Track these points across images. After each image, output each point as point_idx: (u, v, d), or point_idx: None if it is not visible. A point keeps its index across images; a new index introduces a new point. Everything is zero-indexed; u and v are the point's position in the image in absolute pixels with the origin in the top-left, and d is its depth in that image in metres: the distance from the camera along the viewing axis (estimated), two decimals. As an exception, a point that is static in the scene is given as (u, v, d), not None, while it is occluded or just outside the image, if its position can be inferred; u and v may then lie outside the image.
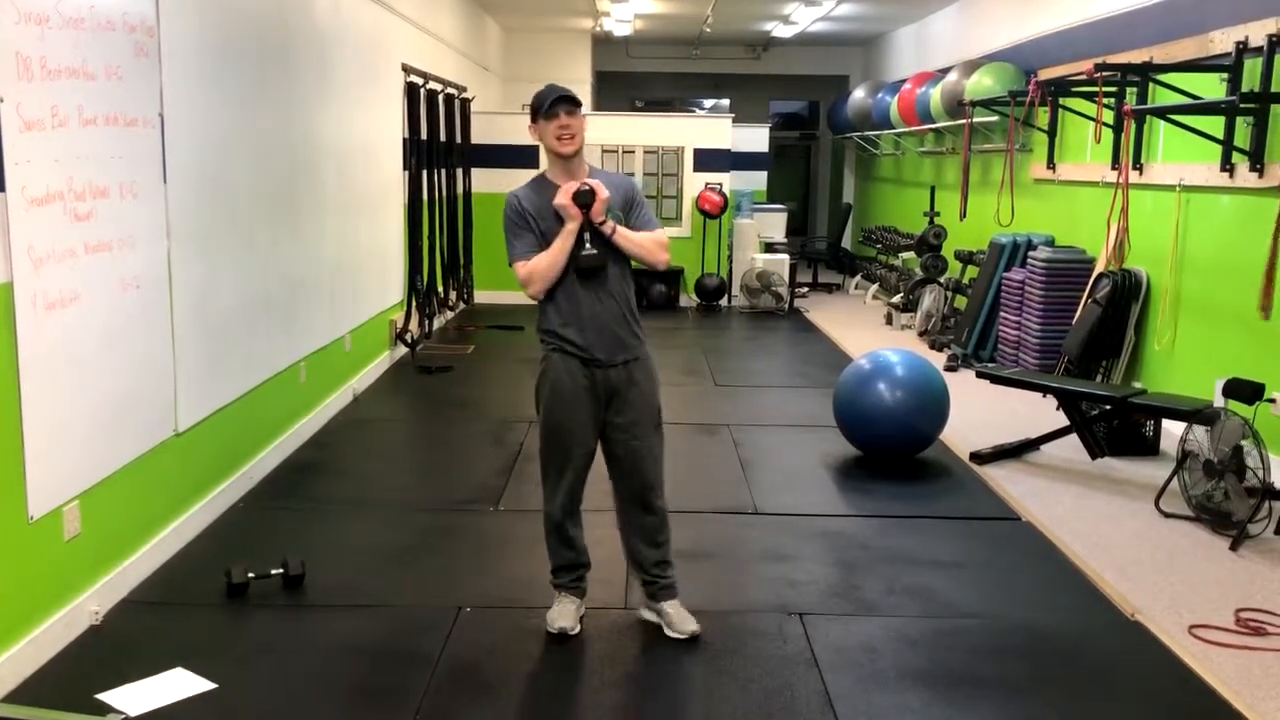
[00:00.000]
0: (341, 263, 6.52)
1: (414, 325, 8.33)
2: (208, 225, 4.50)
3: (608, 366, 3.43)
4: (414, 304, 8.37)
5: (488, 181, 10.81)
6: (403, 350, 8.03)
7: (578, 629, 3.52)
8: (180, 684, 3.14)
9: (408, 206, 8.23)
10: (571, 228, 3.35)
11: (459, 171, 9.97)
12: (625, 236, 3.40)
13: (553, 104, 3.33)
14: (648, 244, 3.45)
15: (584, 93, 14.13)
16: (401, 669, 3.29)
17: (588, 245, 3.37)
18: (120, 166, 3.70)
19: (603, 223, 3.36)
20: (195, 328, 4.36)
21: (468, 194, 10.38)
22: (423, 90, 8.47)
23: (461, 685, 3.21)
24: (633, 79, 16.55)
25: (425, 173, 8.61)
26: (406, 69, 8.04)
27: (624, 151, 11.66)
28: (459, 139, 9.95)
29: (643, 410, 3.49)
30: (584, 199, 3.34)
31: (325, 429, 6.02)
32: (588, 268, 3.39)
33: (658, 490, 3.55)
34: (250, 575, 3.79)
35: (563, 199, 3.34)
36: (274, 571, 3.83)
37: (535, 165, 10.95)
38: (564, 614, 3.52)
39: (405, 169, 8.12)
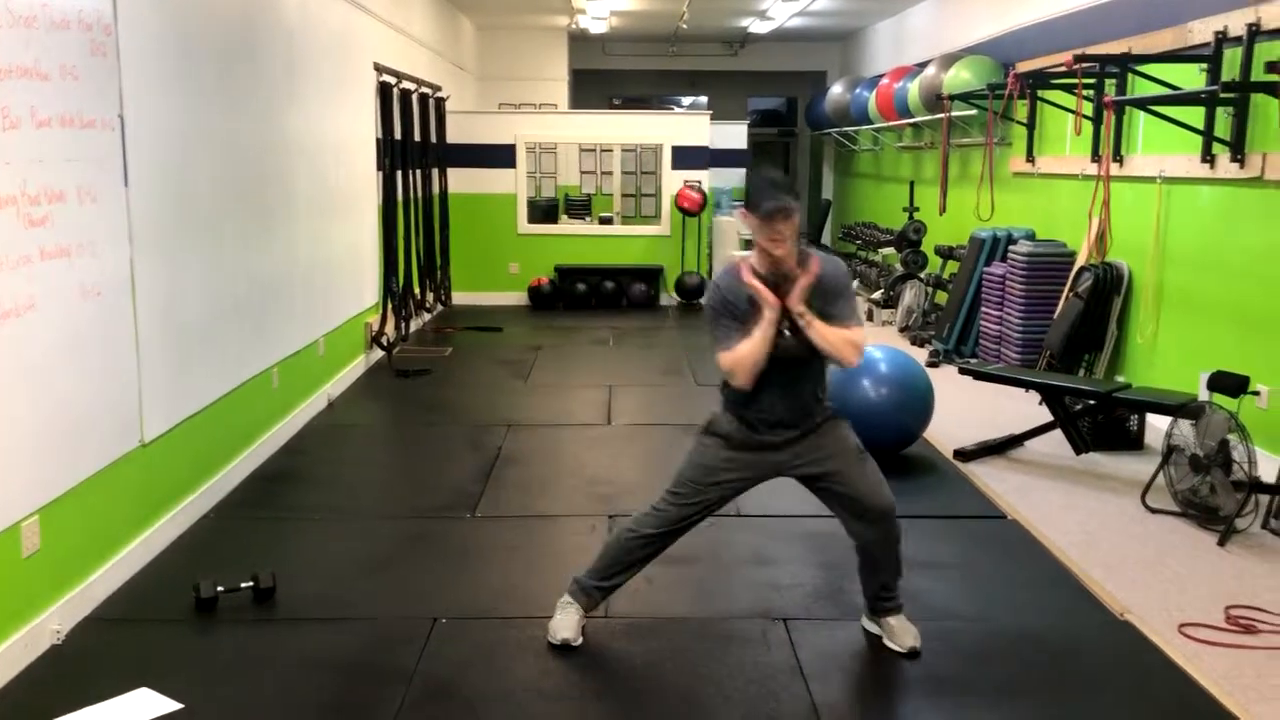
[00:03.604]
0: (314, 266, 6.40)
1: (390, 328, 8.21)
2: (173, 229, 4.38)
3: (782, 435, 3.36)
4: (390, 306, 8.26)
5: (464, 182, 10.73)
6: (379, 354, 7.92)
7: (580, 640, 3.42)
8: (145, 705, 3.03)
9: (382, 208, 8.12)
10: (770, 316, 3.20)
11: (435, 172, 9.86)
12: (817, 330, 3.22)
13: (769, 215, 3.16)
14: (838, 342, 3.23)
15: (560, 91, 14.05)
16: (376, 684, 3.19)
17: (786, 334, 3.24)
18: (78, 169, 3.58)
19: (801, 314, 3.22)
20: (161, 335, 4.25)
21: (444, 194, 10.28)
22: (396, 90, 8.36)
23: (438, 700, 3.11)
24: (610, 76, 16.46)
25: (400, 173, 8.50)
26: (379, 68, 7.92)
27: (602, 150, 11.58)
28: (434, 139, 9.83)
29: (834, 452, 3.38)
30: (784, 289, 3.20)
31: (299, 436, 5.91)
32: (784, 357, 3.25)
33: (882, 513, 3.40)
34: (219, 589, 3.68)
35: (758, 284, 3.21)
36: (244, 585, 3.73)
37: (512, 164, 10.93)
38: (567, 624, 3.42)
39: (379, 169, 8.00)
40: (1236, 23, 5.34)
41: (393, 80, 8.27)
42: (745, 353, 3.21)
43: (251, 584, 3.73)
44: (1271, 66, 4.43)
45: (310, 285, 6.33)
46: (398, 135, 8.44)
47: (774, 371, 3.25)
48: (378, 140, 7.97)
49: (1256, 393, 4.99)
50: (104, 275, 3.76)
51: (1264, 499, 4.47)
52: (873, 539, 3.40)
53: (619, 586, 3.50)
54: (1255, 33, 5.20)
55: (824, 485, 3.41)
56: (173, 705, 3.03)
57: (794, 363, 3.28)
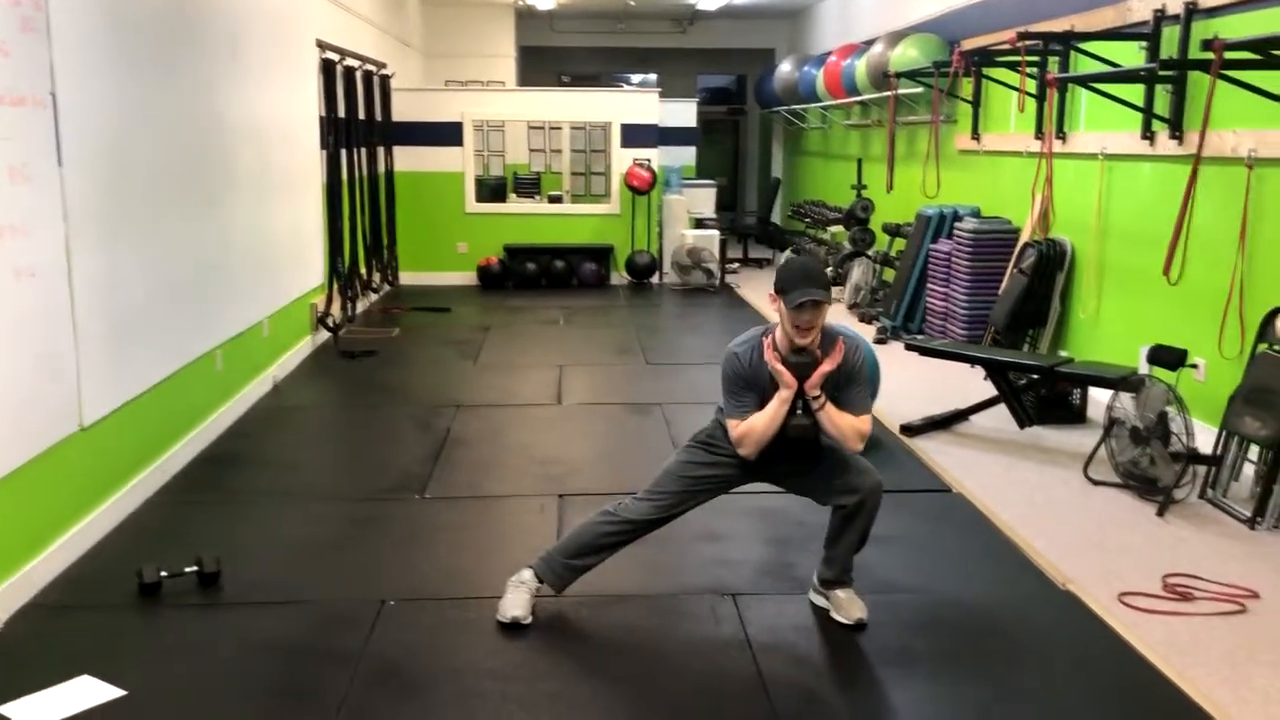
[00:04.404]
0: (256, 246, 6.31)
1: (336, 309, 8.13)
2: (110, 209, 4.29)
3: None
4: (336, 287, 8.17)
5: (411, 160, 10.62)
6: (325, 335, 7.83)
7: (530, 619, 3.41)
8: (86, 692, 2.99)
9: (327, 186, 8.01)
10: (785, 395, 3.24)
11: (380, 150, 9.74)
12: (829, 415, 3.26)
13: (800, 305, 3.16)
14: (846, 429, 3.27)
15: (507, 68, 13.94)
16: (322, 667, 3.17)
17: (799, 414, 3.27)
18: (9, 148, 3.49)
19: (816, 396, 3.24)
20: (99, 317, 4.17)
21: (390, 173, 10.17)
22: (339, 67, 8.24)
23: (386, 682, 3.10)
24: (558, 53, 16.35)
25: (344, 152, 8.39)
26: (321, 45, 7.80)
27: (550, 128, 11.51)
28: (379, 117, 9.72)
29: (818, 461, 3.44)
30: (803, 370, 3.22)
31: (244, 418, 5.84)
32: (796, 438, 3.30)
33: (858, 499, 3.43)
34: (163, 574, 3.63)
35: (779, 364, 3.24)
36: (188, 569, 3.67)
37: (459, 142, 10.82)
38: (517, 603, 3.41)
39: (323, 148, 7.89)
40: (1175, 1, 5.41)
41: (336, 57, 8.15)
42: (757, 428, 3.28)
43: (196, 568, 3.68)
44: (1208, 44, 4.49)
45: (253, 266, 6.24)
46: (342, 113, 8.33)
47: (782, 447, 3.33)
48: (321, 118, 7.85)
49: (1195, 366, 5.09)
50: (38, 256, 3.68)
51: (1201, 470, 4.56)
52: (853, 510, 3.42)
53: (589, 569, 3.49)
54: (1192, 11, 5.28)
55: (813, 484, 3.47)
56: (115, 692, 2.99)
57: (801, 444, 3.35)
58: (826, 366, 3.23)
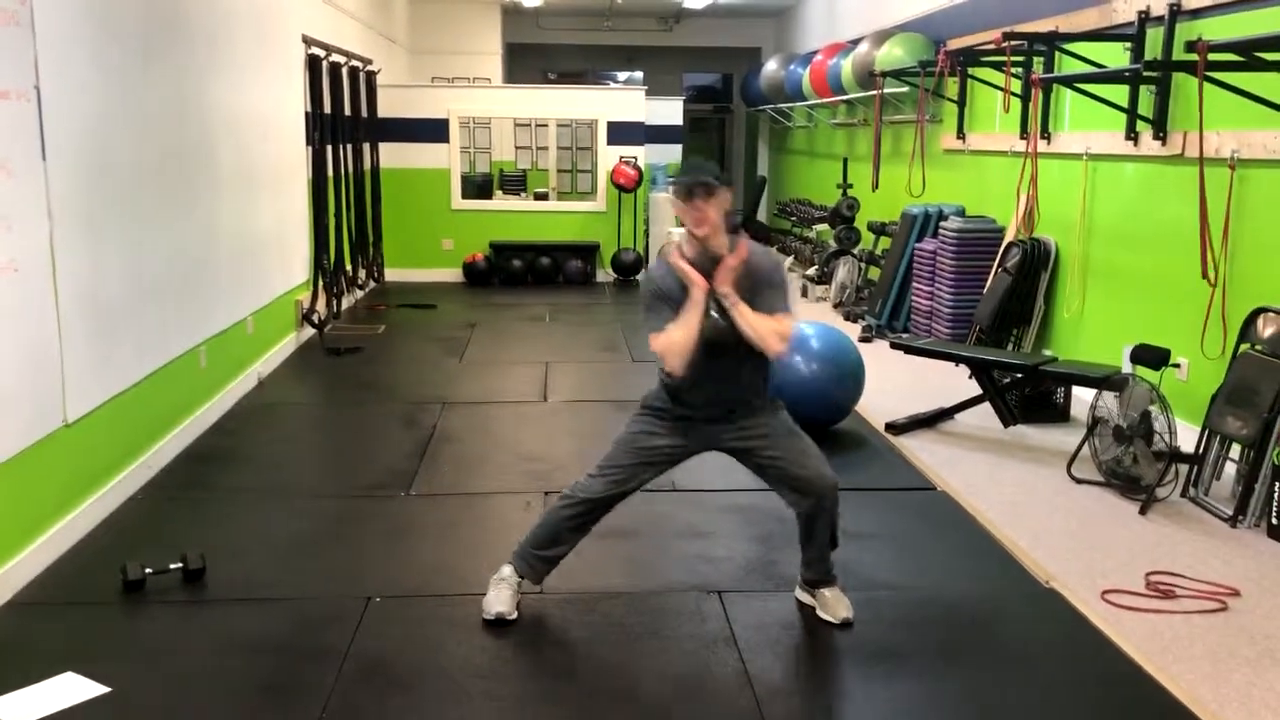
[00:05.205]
0: (241, 242, 6.28)
1: (321, 305, 8.11)
2: (94, 204, 4.27)
3: (715, 421, 3.39)
4: (321, 283, 8.14)
5: (397, 156, 10.60)
6: (310, 331, 7.81)
7: (515, 615, 3.41)
8: (70, 689, 2.98)
9: (312, 183, 7.98)
10: (697, 296, 3.20)
11: (366, 146, 9.72)
12: (742, 313, 3.22)
13: (689, 190, 3.19)
14: (763, 329, 3.21)
15: (494, 65, 13.91)
16: (307, 664, 3.16)
17: (713, 316, 3.23)
18: (-8, 143, 3.47)
19: (725, 294, 3.21)
20: (83, 312, 4.14)
21: (376, 169, 10.14)
22: (325, 63, 8.22)
23: (371, 680, 3.09)
24: (544, 51, 16.32)
25: (330, 148, 8.36)
26: (307, 40, 7.78)
27: (537, 125, 11.50)
28: (365, 113, 9.69)
29: (769, 431, 3.41)
30: (711, 270, 3.20)
31: (229, 415, 5.82)
32: (712, 340, 3.23)
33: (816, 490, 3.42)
34: (147, 571, 3.61)
35: (686, 265, 3.22)
36: (173, 566, 3.66)
37: (445, 139, 10.80)
38: (501, 599, 3.41)
39: (309, 144, 7.87)
40: (1159, 2, 5.44)
41: (322, 53, 8.12)
42: (675, 335, 3.22)
43: (180, 565, 3.67)
44: (1191, 46, 4.52)
45: (238, 262, 6.21)
46: (328, 109, 8.30)
47: (709, 361, 3.26)
48: (307, 114, 7.83)
49: (1177, 365, 5.12)
50: (22, 251, 3.66)
51: (1183, 468, 4.59)
52: (812, 511, 3.43)
53: (562, 557, 3.49)
54: (1176, 12, 5.31)
55: (761, 463, 3.43)
56: (100, 689, 2.98)
57: (728, 354, 3.28)
58: (730, 261, 3.22)
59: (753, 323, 3.22)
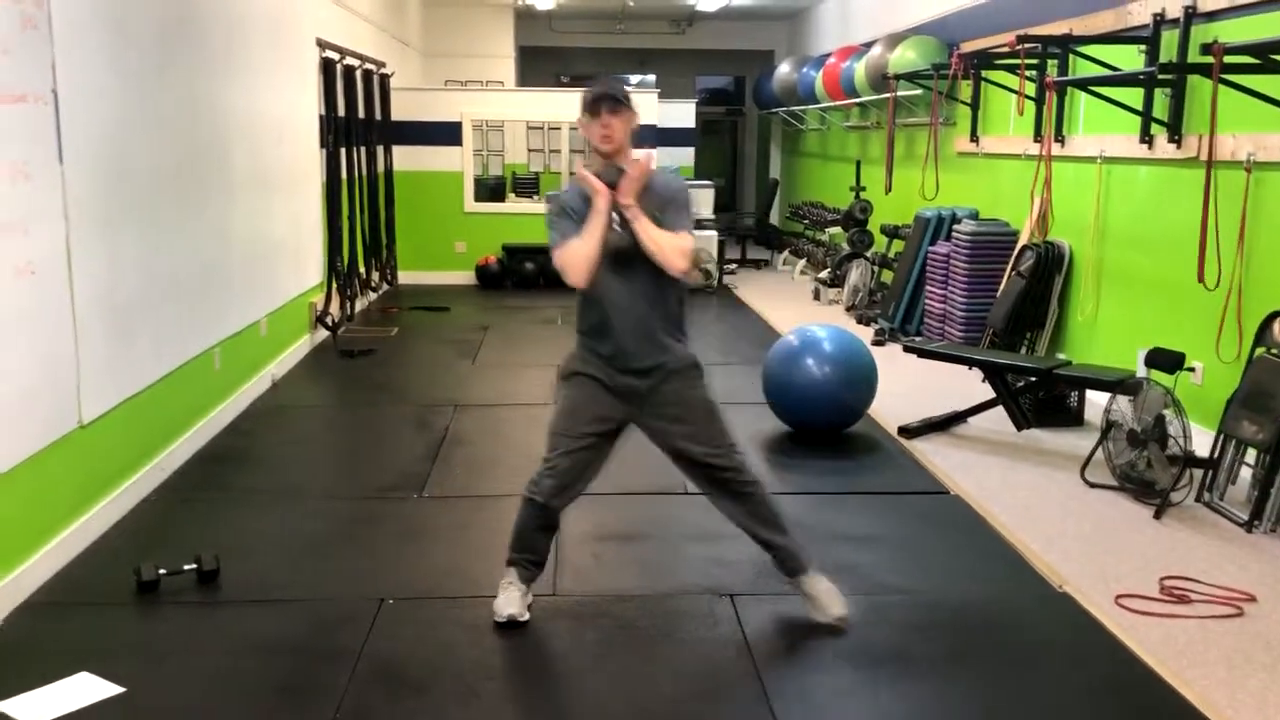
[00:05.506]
0: (255, 244, 6.31)
1: (335, 308, 8.13)
2: (110, 206, 4.29)
3: (634, 373, 3.36)
4: (334, 286, 8.17)
5: (410, 159, 10.63)
6: (323, 334, 7.84)
7: (527, 616, 3.41)
8: (85, 689, 2.99)
9: (326, 185, 8.02)
10: (601, 205, 3.21)
11: (379, 149, 9.75)
12: (643, 226, 3.22)
13: (594, 102, 3.23)
14: (664, 243, 3.21)
15: (507, 68, 13.93)
16: (321, 666, 3.17)
17: (616, 229, 3.24)
18: (9, 146, 3.49)
19: (627, 205, 3.21)
20: (99, 314, 4.17)
21: (389, 172, 10.17)
22: (339, 66, 8.25)
23: (384, 680, 3.10)
24: (557, 54, 16.36)
25: (344, 151, 8.39)
26: (321, 44, 7.81)
27: (550, 128, 11.50)
28: (379, 116, 9.72)
29: (680, 406, 3.40)
30: (615, 182, 3.21)
31: (242, 417, 5.84)
32: (615, 249, 3.24)
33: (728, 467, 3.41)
34: (161, 572, 3.63)
35: (590, 175, 3.23)
36: (186, 567, 3.68)
37: (458, 142, 10.83)
38: (511, 601, 3.41)
39: (323, 147, 7.90)
40: (1174, 5, 5.42)
41: (336, 56, 8.15)
42: (577, 245, 3.24)
43: (195, 566, 3.68)
44: (1207, 48, 4.50)
45: (252, 265, 6.24)
46: (341, 112, 8.34)
47: (614, 280, 3.27)
48: (321, 117, 7.86)
49: (1192, 369, 5.10)
50: (38, 254, 3.68)
51: (1198, 473, 4.57)
52: (736, 511, 3.44)
53: (542, 560, 3.48)
54: (1192, 15, 5.29)
55: (673, 445, 3.42)
56: (114, 689, 2.99)
57: (635, 277, 3.28)
58: (633, 172, 3.22)
59: (654, 235, 3.23)
